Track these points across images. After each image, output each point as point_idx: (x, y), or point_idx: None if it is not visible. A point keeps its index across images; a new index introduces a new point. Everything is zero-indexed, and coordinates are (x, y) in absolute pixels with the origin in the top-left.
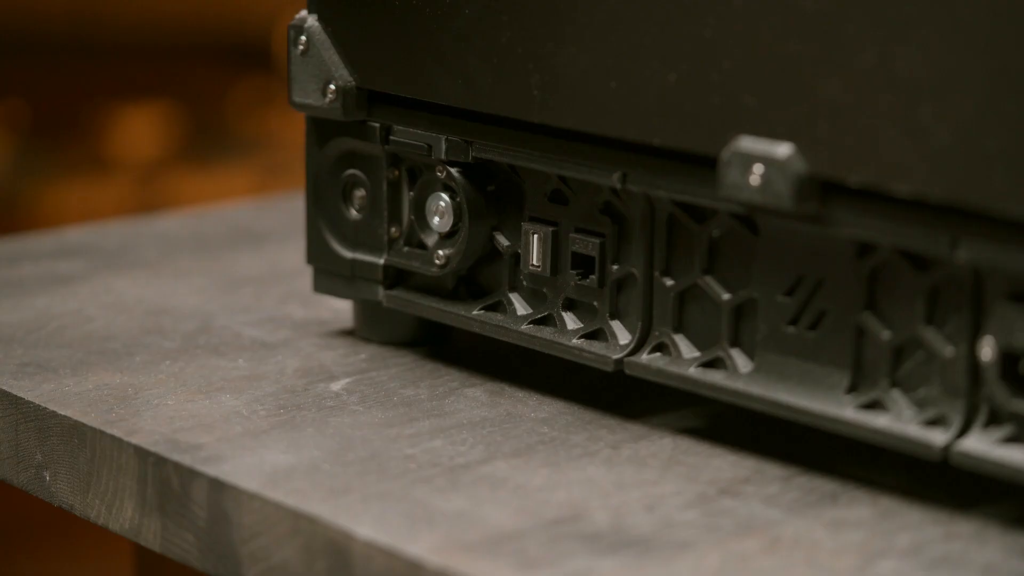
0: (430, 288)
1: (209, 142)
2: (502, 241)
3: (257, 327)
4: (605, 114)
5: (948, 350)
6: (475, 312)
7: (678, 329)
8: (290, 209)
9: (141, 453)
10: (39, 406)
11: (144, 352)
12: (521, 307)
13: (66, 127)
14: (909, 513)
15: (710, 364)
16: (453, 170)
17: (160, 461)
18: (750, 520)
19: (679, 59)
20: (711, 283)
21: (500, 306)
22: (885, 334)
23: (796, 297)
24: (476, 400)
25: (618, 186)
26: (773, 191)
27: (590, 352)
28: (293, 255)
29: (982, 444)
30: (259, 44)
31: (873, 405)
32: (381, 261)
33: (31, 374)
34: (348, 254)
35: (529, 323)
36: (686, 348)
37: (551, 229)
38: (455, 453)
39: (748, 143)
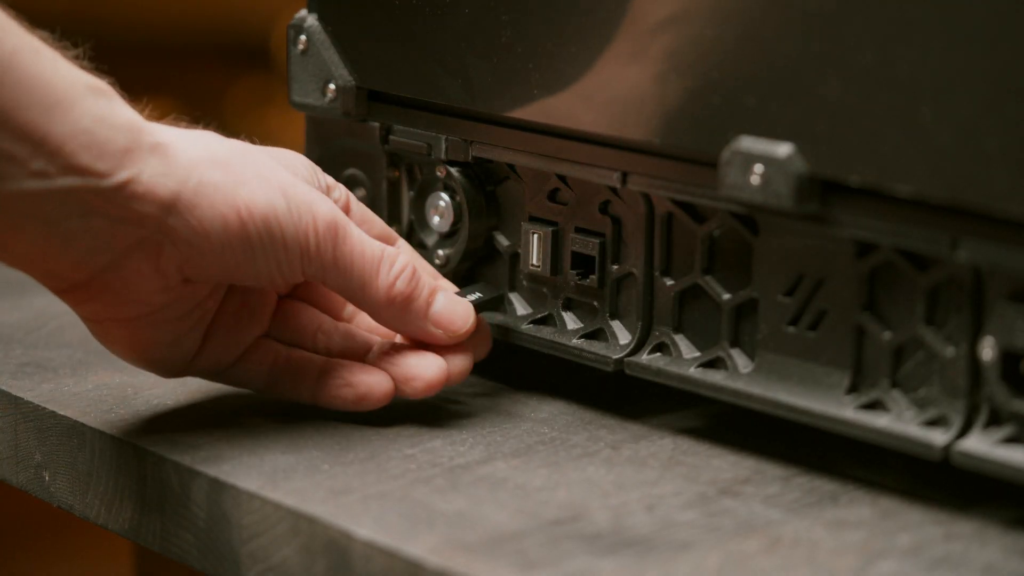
0: None
1: None
2: (502, 241)
3: None
4: (605, 114)
5: (948, 350)
6: None
7: (678, 329)
8: None
9: (140, 453)
10: (39, 406)
11: None
12: (521, 307)
13: None
14: (909, 513)
15: (710, 364)
16: (453, 170)
17: (159, 461)
18: (750, 520)
19: (679, 59)
20: (711, 283)
21: (500, 306)
22: (885, 334)
23: (796, 297)
24: (476, 400)
25: (618, 186)
26: (773, 191)
27: (590, 352)
28: None
29: (983, 444)
30: (258, 43)
31: (873, 405)
32: None
33: (30, 374)
34: None
35: (529, 323)
36: (686, 348)
37: (551, 229)
38: (455, 453)
39: (748, 143)
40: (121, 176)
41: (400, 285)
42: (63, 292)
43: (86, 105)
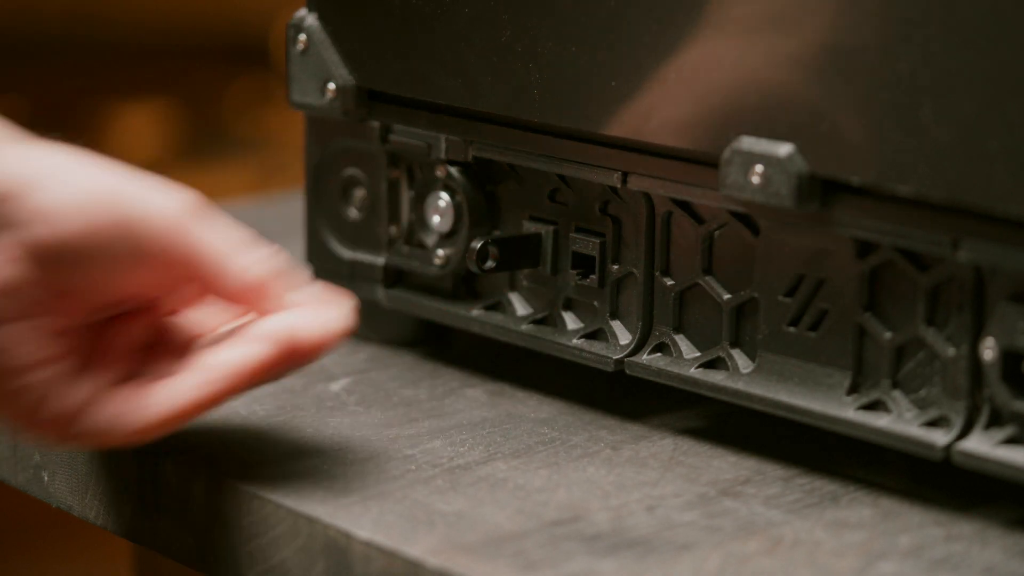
0: (430, 288)
1: (207, 141)
2: None
3: None
4: (605, 114)
5: (949, 351)
6: (475, 312)
7: (678, 329)
8: (289, 208)
9: (140, 453)
10: None
11: None
12: (521, 307)
13: (64, 125)
14: (910, 514)
15: (711, 364)
16: (453, 169)
17: (159, 461)
18: (751, 521)
19: (679, 59)
20: (711, 283)
21: (500, 306)
22: (886, 334)
23: (797, 297)
24: (476, 400)
25: (618, 186)
26: (774, 191)
27: (590, 352)
28: (292, 255)
29: (983, 445)
30: (257, 43)
31: (874, 405)
32: (381, 261)
33: None
34: (348, 254)
35: (529, 323)
36: (686, 348)
37: (551, 229)
38: (455, 454)
39: (749, 143)
40: None
41: (257, 263)
42: None
43: None
